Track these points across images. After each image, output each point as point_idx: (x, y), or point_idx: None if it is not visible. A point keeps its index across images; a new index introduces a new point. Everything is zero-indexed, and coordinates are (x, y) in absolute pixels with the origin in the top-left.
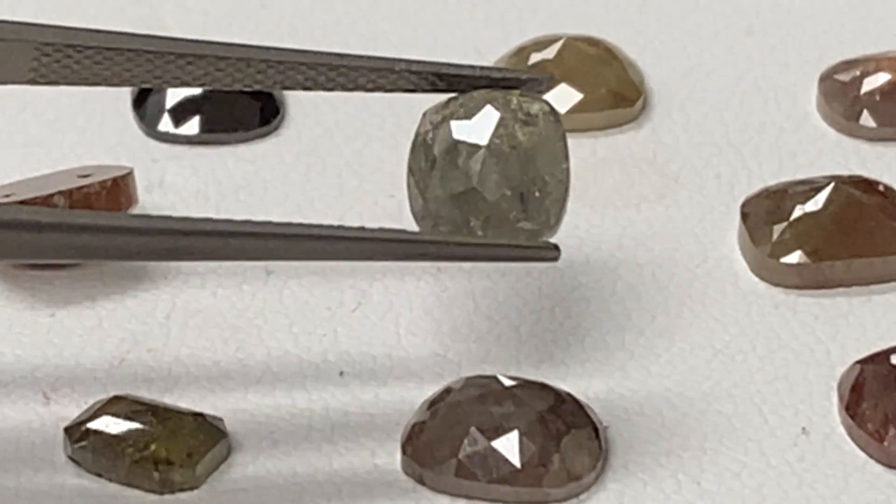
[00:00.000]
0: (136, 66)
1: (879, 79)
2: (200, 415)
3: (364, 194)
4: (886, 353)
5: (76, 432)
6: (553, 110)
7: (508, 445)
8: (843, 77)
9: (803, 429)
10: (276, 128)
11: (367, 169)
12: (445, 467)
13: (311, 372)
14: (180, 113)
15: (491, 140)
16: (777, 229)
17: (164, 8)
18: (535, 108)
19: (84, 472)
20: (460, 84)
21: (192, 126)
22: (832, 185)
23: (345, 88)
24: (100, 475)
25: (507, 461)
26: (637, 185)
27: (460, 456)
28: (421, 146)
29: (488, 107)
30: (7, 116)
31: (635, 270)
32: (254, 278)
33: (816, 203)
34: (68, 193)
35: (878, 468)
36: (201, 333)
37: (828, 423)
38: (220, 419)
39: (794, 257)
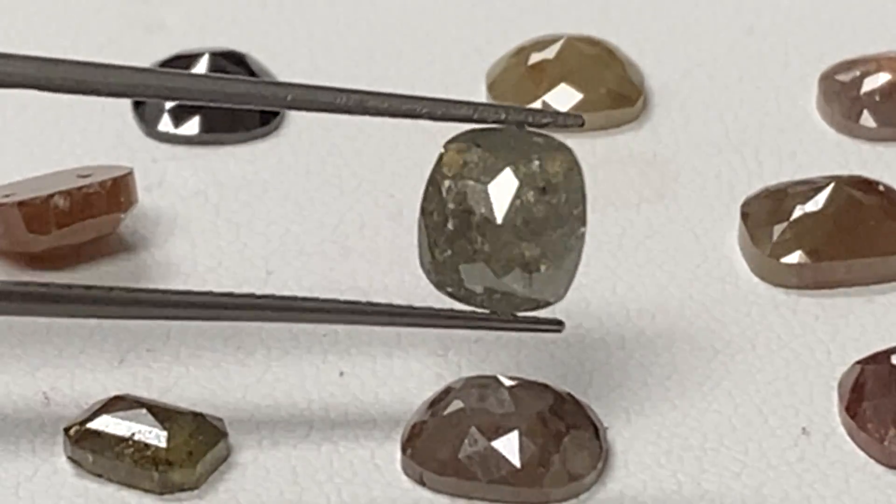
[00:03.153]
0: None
1: (880, 79)
2: (200, 415)
3: (364, 194)
4: (887, 353)
5: (76, 432)
6: (575, 165)
7: (508, 445)
8: (844, 77)
9: (803, 429)
10: (276, 128)
11: (367, 169)
12: (445, 467)
13: (311, 372)
14: (180, 113)
15: (505, 216)
16: (777, 229)
17: (164, 8)
18: (556, 166)
19: (84, 472)
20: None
21: (192, 126)
22: (832, 185)
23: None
24: (100, 475)
25: (507, 461)
26: (637, 185)
27: (460, 456)
28: (436, 192)
29: (507, 171)
30: (7, 116)
31: (635, 271)
32: (254, 278)
33: (816, 203)
34: (68, 193)
35: (879, 468)
36: (201, 333)
37: (828, 424)
38: (220, 419)
39: (795, 257)
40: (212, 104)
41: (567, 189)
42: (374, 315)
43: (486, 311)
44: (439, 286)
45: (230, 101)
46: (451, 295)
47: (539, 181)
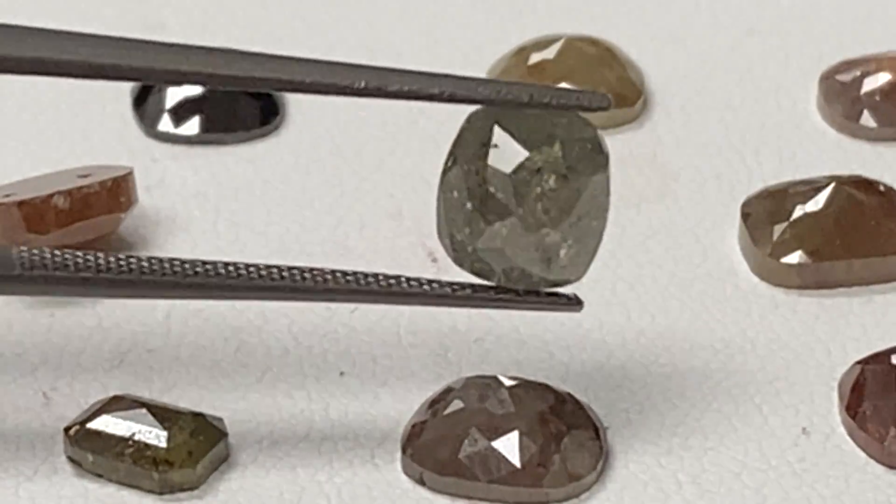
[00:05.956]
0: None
1: (880, 79)
2: (200, 415)
3: (364, 194)
4: (887, 353)
5: (76, 432)
6: (598, 145)
7: (508, 445)
8: (844, 77)
9: (804, 429)
10: (276, 128)
11: (367, 169)
12: (445, 467)
13: (311, 372)
14: (180, 113)
15: (525, 204)
16: (777, 229)
17: (164, 8)
18: (579, 149)
19: (84, 472)
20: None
21: (192, 126)
22: (832, 185)
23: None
24: (100, 475)
25: (507, 461)
26: (637, 185)
27: (460, 456)
28: (456, 170)
29: (528, 155)
30: (7, 116)
31: (635, 270)
32: None
33: (817, 203)
34: (68, 193)
35: (879, 468)
36: (201, 333)
37: (828, 424)
38: (220, 419)
39: (795, 257)
40: (228, 88)
41: (590, 171)
42: (389, 294)
43: (505, 287)
44: (458, 262)
45: (245, 84)
46: (470, 270)
47: (561, 167)
